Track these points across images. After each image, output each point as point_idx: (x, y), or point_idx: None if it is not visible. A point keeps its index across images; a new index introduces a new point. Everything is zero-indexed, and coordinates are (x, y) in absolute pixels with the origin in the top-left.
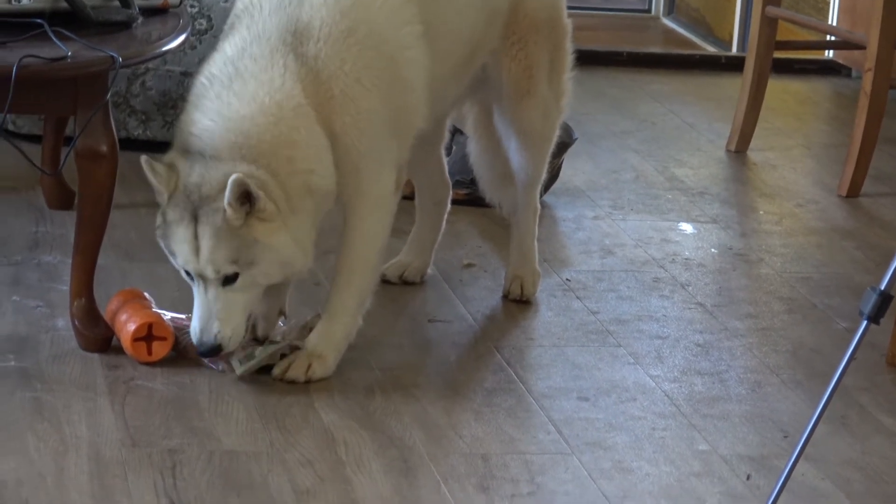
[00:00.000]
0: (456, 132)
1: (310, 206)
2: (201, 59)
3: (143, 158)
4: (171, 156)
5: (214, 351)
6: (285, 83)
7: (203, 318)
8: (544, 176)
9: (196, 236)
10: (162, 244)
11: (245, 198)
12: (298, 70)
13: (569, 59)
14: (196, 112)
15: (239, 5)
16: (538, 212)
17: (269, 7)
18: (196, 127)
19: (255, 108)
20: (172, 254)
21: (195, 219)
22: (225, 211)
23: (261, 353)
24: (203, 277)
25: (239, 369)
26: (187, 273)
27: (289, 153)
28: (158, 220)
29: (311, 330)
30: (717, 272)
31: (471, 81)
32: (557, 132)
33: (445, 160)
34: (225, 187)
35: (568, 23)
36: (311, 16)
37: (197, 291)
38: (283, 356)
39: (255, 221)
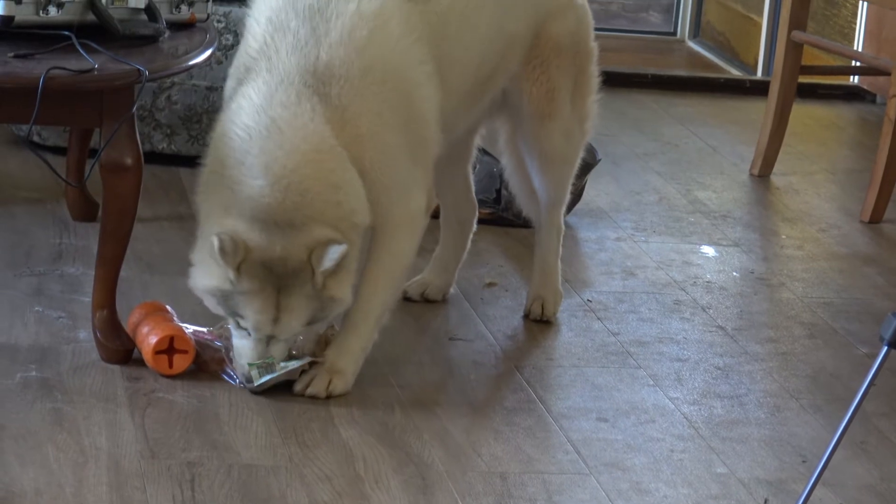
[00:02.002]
0: (480, 152)
1: (356, 244)
2: (227, 76)
3: (217, 244)
4: (231, 225)
5: (248, 381)
6: (316, 127)
7: (251, 364)
8: (568, 196)
9: (278, 306)
10: (217, 304)
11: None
12: (325, 111)
13: (594, 82)
14: (243, 169)
15: (252, 45)
16: (562, 232)
17: (285, 48)
18: (249, 189)
19: (299, 159)
20: (240, 317)
21: (278, 290)
22: (312, 279)
23: (281, 369)
24: (269, 336)
25: (257, 380)
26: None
27: (336, 198)
28: (223, 284)
29: (326, 342)
30: (739, 296)
31: (490, 104)
32: (580, 154)
33: (472, 180)
34: (309, 256)
35: (594, 46)
36: (329, 55)
37: (243, 340)
38: (303, 372)
39: (331, 280)
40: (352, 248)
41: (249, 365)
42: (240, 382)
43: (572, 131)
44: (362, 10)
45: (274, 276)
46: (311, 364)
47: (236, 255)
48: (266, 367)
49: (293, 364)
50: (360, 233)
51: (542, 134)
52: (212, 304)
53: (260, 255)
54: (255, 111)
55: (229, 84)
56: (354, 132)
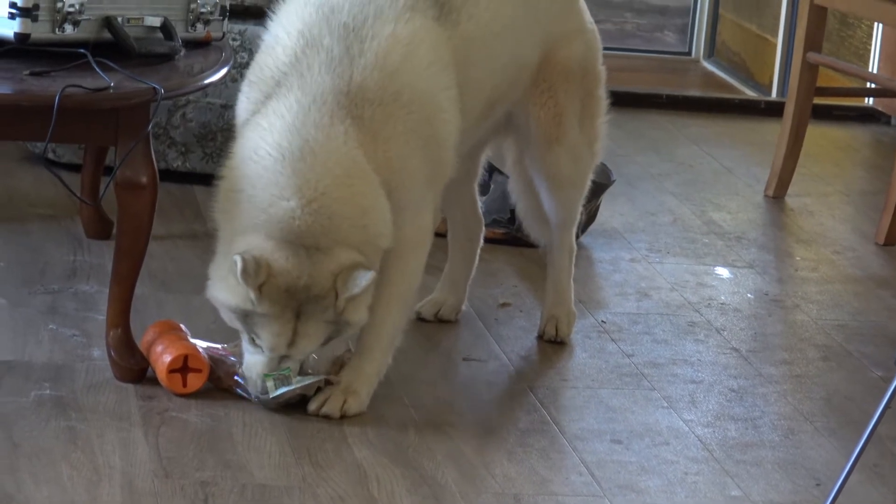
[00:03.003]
0: (493, 171)
1: (377, 266)
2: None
3: (240, 266)
4: (255, 244)
5: (263, 393)
6: (349, 150)
7: (262, 376)
8: (578, 217)
9: (295, 331)
10: (234, 319)
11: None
12: (357, 134)
13: (602, 104)
14: (274, 189)
15: (281, 57)
16: (574, 252)
17: (318, 66)
18: (280, 211)
19: (330, 182)
20: (256, 335)
21: (297, 314)
22: (334, 306)
23: (297, 382)
24: (282, 356)
25: (273, 392)
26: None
27: (363, 222)
28: (243, 303)
29: (342, 364)
30: (753, 317)
31: (494, 125)
32: (590, 177)
33: (478, 197)
34: (332, 283)
35: (602, 69)
36: (363, 77)
37: (256, 355)
38: (318, 389)
39: (351, 303)
40: (375, 270)
41: (266, 376)
42: (255, 396)
43: (580, 154)
44: (397, 33)
45: (295, 301)
46: (327, 383)
47: (258, 277)
48: (282, 380)
49: (309, 379)
50: (381, 255)
51: (550, 158)
52: (227, 318)
53: (284, 280)
54: (287, 131)
55: (251, 94)
56: (385, 156)
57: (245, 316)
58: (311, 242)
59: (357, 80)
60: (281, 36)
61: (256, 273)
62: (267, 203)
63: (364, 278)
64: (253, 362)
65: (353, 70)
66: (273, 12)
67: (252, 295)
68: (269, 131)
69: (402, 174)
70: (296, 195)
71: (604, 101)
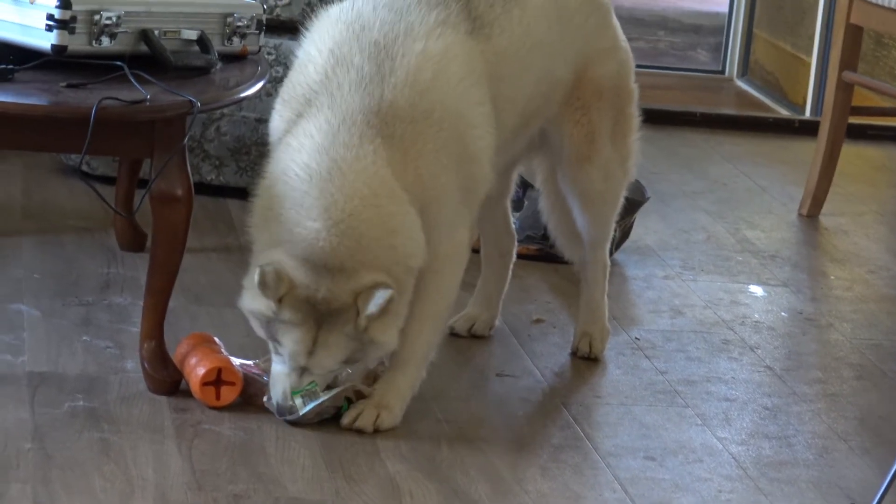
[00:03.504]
0: (527, 187)
1: (408, 287)
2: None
3: (257, 277)
4: (279, 259)
5: (291, 411)
6: (378, 170)
7: (286, 391)
8: (612, 234)
9: (315, 341)
10: (260, 327)
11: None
12: (386, 153)
13: (634, 122)
14: (301, 210)
15: (313, 76)
16: (608, 268)
17: (348, 84)
18: (306, 231)
19: (358, 203)
20: (279, 344)
21: (318, 325)
22: (354, 322)
23: (325, 395)
24: (302, 368)
25: (302, 409)
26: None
27: (391, 242)
28: (263, 309)
29: (375, 378)
30: (787, 336)
31: (528, 142)
32: (623, 194)
33: (511, 212)
34: (353, 300)
35: (635, 87)
36: (394, 96)
37: (281, 368)
38: (347, 399)
39: (374, 322)
40: (403, 292)
41: (294, 394)
42: (285, 418)
43: (613, 172)
44: (428, 50)
45: (316, 311)
46: (357, 395)
47: (278, 289)
48: (310, 395)
49: (337, 389)
50: (413, 274)
51: (582, 176)
52: (255, 326)
53: (303, 293)
54: (317, 151)
55: (284, 113)
56: (415, 173)
57: (268, 323)
58: (335, 264)
59: (388, 99)
60: (312, 54)
61: (276, 286)
62: (294, 223)
63: (382, 296)
64: (276, 372)
65: (384, 88)
66: (306, 29)
67: (273, 305)
68: (298, 151)
69: (434, 191)
70: (322, 216)
71: (636, 118)
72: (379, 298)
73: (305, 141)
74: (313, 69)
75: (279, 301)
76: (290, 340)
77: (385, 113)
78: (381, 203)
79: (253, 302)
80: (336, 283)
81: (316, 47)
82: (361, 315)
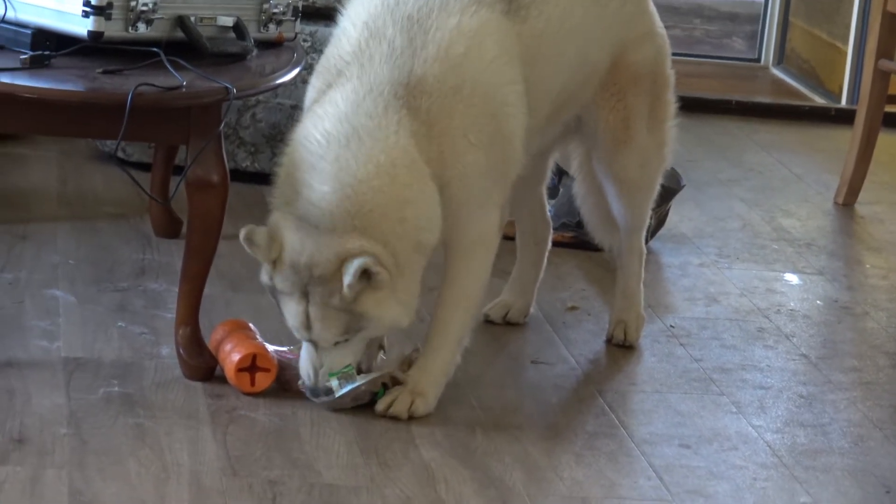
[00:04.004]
0: (562, 174)
1: (417, 263)
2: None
3: (243, 232)
4: (276, 220)
5: (320, 395)
6: (399, 140)
7: (314, 370)
8: (648, 221)
9: (307, 314)
10: (271, 297)
11: (364, 275)
12: (411, 125)
13: (671, 108)
14: (313, 173)
15: (345, 47)
16: (643, 256)
17: (379, 56)
18: (314, 193)
19: (372, 169)
20: (283, 314)
21: (306, 296)
22: (340, 293)
23: (362, 378)
24: (313, 342)
25: (339, 392)
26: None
27: (401, 214)
28: (264, 277)
29: (409, 364)
30: (822, 324)
31: (564, 129)
32: (659, 180)
33: (546, 200)
34: (339, 268)
35: (671, 73)
36: (424, 70)
37: (305, 346)
38: (384, 385)
39: (365, 295)
40: (408, 269)
41: (330, 375)
42: (321, 400)
43: (649, 158)
44: (462, 25)
45: (300, 280)
46: (393, 381)
47: (270, 250)
48: (347, 378)
49: (374, 375)
50: (424, 253)
51: (618, 161)
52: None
53: (289, 257)
54: (338, 118)
55: (316, 83)
56: (438, 148)
57: (273, 293)
58: (328, 225)
59: (417, 72)
60: (347, 27)
61: (269, 246)
62: (304, 185)
63: (356, 265)
64: (302, 352)
65: (415, 62)
66: (343, 7)
67: (267, 268)
68: (321, 118)
69: (457, 169)
70: (332, 179)
71: (672, 104)
72: (352, 267)
73: (329, 108)
74: (346, 41)
75: (273, 265)
76: (287, 312)
77: (413, 86)
78: (397, 173)
79: (262, 274)
80: (320, 246)
81: (351, 21)
82: (343, 285)
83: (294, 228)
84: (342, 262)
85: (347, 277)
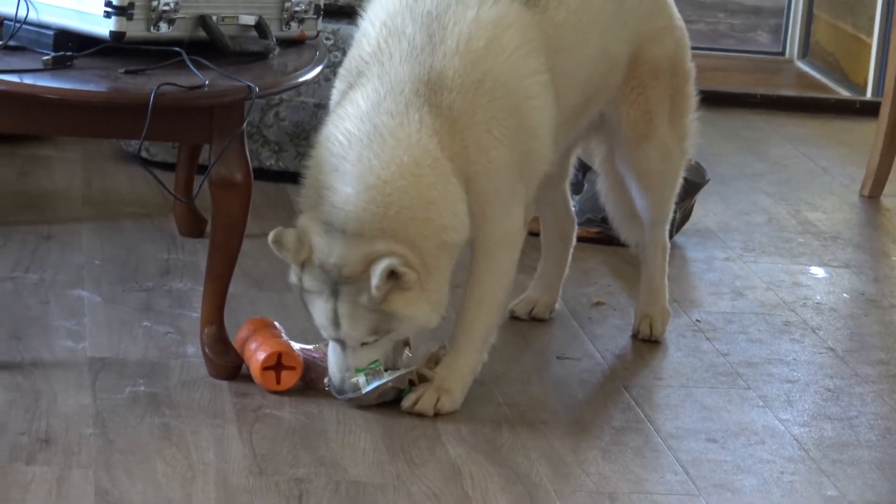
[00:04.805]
0: (587, 169)
1: (445, 262)
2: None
3: (272, 235)
4: (304, 223)
5: (353, 390)
6: (422, 138)
7: (341, 370)
8: (671, 215)
9: (335, 311)
10: (299, 297)
11: (391, 276)
12: (433, 122)
13: (691, 101)
14: (336, 175)
15: (365, 48)
16: (667, 250)
17: (399, 55)
18: (337, 196)
19: (395, 170)
20: (310, 314)
21: (335, 294)
22: (368, 292)
23: (389, 375)
24: (340, 341)
25: (365, 388)
26: None
27: (426, 214)
28: (293, 277)
29: (436, 361)
30: (849, 317)
31: (587, 125)
32: (681, 174)
33: (570, 196)
34: (367, 269)
35: (691, 67)
36: (443, 65)
37: (332, 345)
38: (410, 382)
39: (394, 295)
40: (435, 268)
41: (357, 371)
42: (348, 397)
43: (671, 152)
44: (481, 18)
45: (330, 279)
46: (420, 377)
47: (299, 253)
48: (374, 374)
49: (401, 372)
50: (452, 251)
51: (640, 156)
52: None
53: (318, 258)
54: (359, 118)
55: (339, 86)
56: (462, 144)
57: (300, 293)
58: (355, 229)
59: (437, 68)
60: (367, 28)
61: (298, 249)
62: (327, 187)
63: (382, 266)
64: (329, 350)
65: (434, 57)
66: (363, 8)
67: (295, 269)
68: (343, 119)
69: (481, 165)
70: (356, 181)
71: (693, 98)
72: (378, 269)
73: (350, 109)
74: (366, 42)
75: (301, 266)
76: (315, 310)
77: (434, 82)
78: (421, 172)
79: (290, 274)
80: (348, 249)
81: (370, 21)
82: (371, 286)
83: (322, 233)
84: (370, 264)
85: (374, 279)
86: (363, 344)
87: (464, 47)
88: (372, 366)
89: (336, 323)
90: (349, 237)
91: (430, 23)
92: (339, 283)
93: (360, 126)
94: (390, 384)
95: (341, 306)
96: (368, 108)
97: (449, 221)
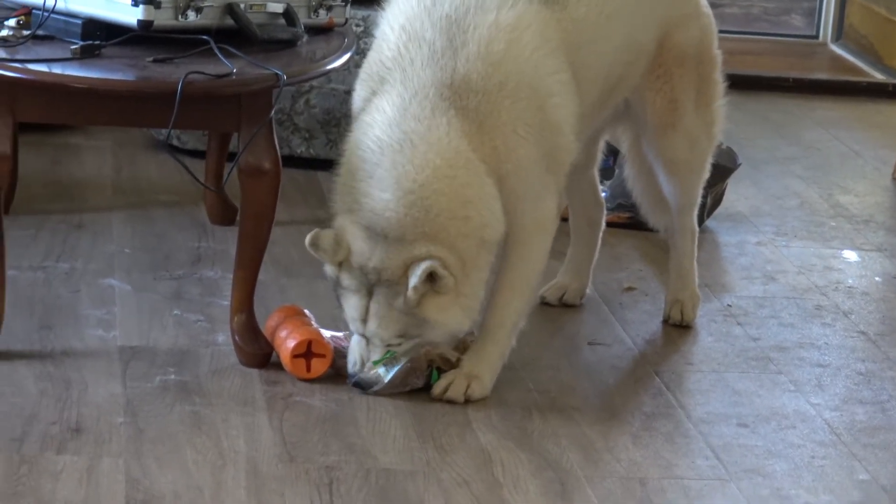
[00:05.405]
0: (617, 154)
1: (483, 263)
2: (357, 81)
3: (309, 238)
4: (342, 226)
5: (369, 386)
6: (451, 140)
7: (361, 361)
8: (699, 200)
9: (367, 310)
10: (332, 289)
11: (429, 279)
12: (462, 125)
13: (719, 88)
14: (371, 182)
15: (385, 52)
16: (696, 234)
17: (420, 59)
18: (376, 202)
19: (430, 173)
20: (342, 309)
21: (370, 293)
22: (404, 295)
23: (405, 356)
24: (365, 338)
25: (387, 377)
26: None
27: (465, 213)
28: (330, 271)
29: (465, 347)
30: (881, 301)
31: (613, 113)
32: (709, 160)
33: (599, 181)
34: (406, 272)
35: (718, 53)
36: (467, 69)
37: (356, 338)
38: (438, 369)
39: (428, 300)
40: (474, 268)
41: (374, 363)
42: (373, 390)
43: (698, 139)
44: (500, 21)
45: (368, 280)
46: (443, 361)
47: (336, 254)
48: (391, 362)
49: (412, 349)
50: (490, 249)
51: (666, 143)
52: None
53: (358, 261)
54: (387, 125)
55: (360, 92)
56: (491, 145)
57: (335, 286)
58: (397, 234)
59: (461, 72)
60: (386, 32)
61: (335, 250)
62: (363, 193)
63: (421, 268)
64: (352, 341)
65: (457, 61)
66: (383, 9)
67: (331, 269)
68: (370, 126)
69: (511, 164)
70: (393, 187)
71: (720, 84)
72: (418, 269)
73: (377, 116)
74: (386, 47)
75: (338, 266)
76: (347, 305)
77: (458, 86)
78: (455, 174)
79: (326, 268)
80: (389, 253)
81: (389, 25)
82: (409, 288)
83: (363, 238)
84: (409, 267)
85: (413, 279)
86: (388, 346)
87: (485, 51)
88: (386, 355)
89: (365, 320)
90: (390, 242)
91: (450, 27)
92: (376, 285)
93: (390, 133)
94: (409, 365)
95: (374, 306)
96: (395, 115)
97: (487, 219)
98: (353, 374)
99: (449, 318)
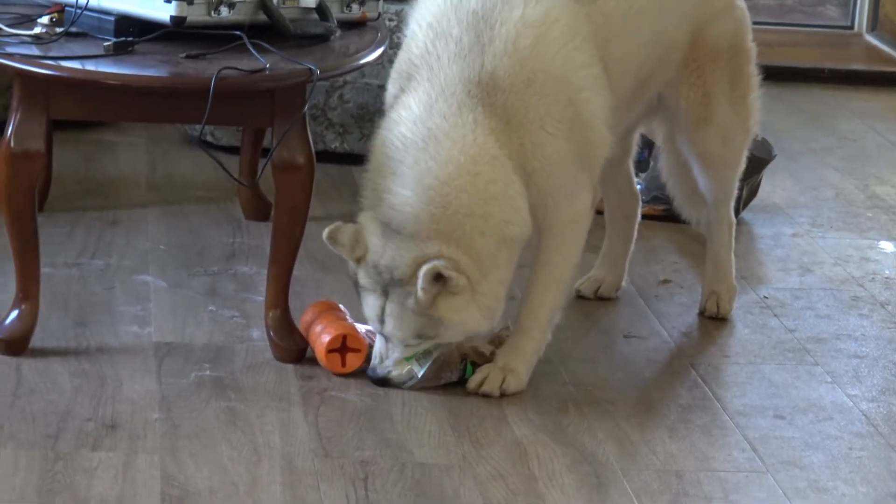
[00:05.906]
0: (653, 146)
1: (503, 262)
2: (388, 80)
3: (327, 232)
4: (363, 221)
5: (386, 384)
6: (477, 137)
7: (381, 357)
8: (735, 193)
9: (383, 310)
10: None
11: (438, 279)
12: (488, 122)
13: (753, 81)
14: (394, 178)
15: (413, 50)
16: (733, 226)
17: (447, 56)
18: (396, 198)
19: (452, 170)
20: (362, 304)
21: (385, 294)
22: (416, 295)
23: (437, 350)
24: (385, 336)
25: (420, 371)
26: None
27: (485, 209)
28: (352, 267)
29: (500, 342)
30: None
31: (647, 107)
32: (745, 154)
33: (634, 174)
34: (415, 272)
35: (752, 46)
36: (494, 66)
37: (381, 336)
38: (472, 363)
39: (442, 300)
40: (493, 267)
41: (407, 360)
42: (408, 386)
43: (732, 133)
44: (527, 16)
45: (382, 279)
46: (477, 355)
47: (354, 250)
48: (423, 356)
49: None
50: (512, 248)
51: (699, 138)
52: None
53: (372, 259)
54: (413, 122)
55: (391, 90)
56: (518, 142)
57: (356, 285)
58: (412, 231)
59: (488, 69)
60: (414, 30)
61: (353, 246)
62: (385, 190)
63: (428, 268)
64: (377, 339)
65: (484, 58)
66: (411, 7)
67: (351, 265)
68: (397, 123)
69: (538, 160)
70: (414, 183)
71: (755, 77)
72: (424, 270)
73: (404, 113)
74: (414, 45)
75: (357, 263)
76: (364, 304)
77: (486, 83)
78: (479, 170)
79: (348, 265)
80: (400, 251)
81: (417, 23)
82: (417, 289)
83: (378, 234)
84: (419, 266)
85: (420, 281)
86: (406, 346)
87: (512, 47)
88: (418, 351)
89: (382, 320)
90: (404, 239)
91: (477, 23)
92: (389, 285)
93: (415, 130)
94: (443, 358)
95: (389, 307)
96: (421, 112)
97: (510, 216)
98: (372, 368)
99: (465, 318)
